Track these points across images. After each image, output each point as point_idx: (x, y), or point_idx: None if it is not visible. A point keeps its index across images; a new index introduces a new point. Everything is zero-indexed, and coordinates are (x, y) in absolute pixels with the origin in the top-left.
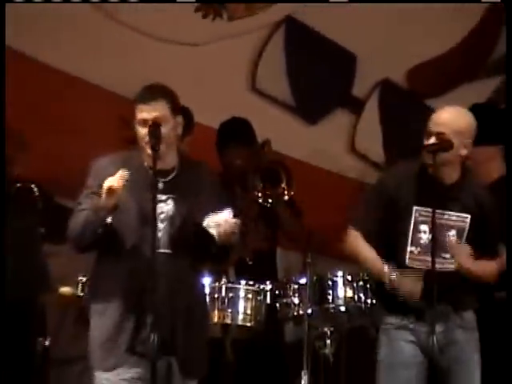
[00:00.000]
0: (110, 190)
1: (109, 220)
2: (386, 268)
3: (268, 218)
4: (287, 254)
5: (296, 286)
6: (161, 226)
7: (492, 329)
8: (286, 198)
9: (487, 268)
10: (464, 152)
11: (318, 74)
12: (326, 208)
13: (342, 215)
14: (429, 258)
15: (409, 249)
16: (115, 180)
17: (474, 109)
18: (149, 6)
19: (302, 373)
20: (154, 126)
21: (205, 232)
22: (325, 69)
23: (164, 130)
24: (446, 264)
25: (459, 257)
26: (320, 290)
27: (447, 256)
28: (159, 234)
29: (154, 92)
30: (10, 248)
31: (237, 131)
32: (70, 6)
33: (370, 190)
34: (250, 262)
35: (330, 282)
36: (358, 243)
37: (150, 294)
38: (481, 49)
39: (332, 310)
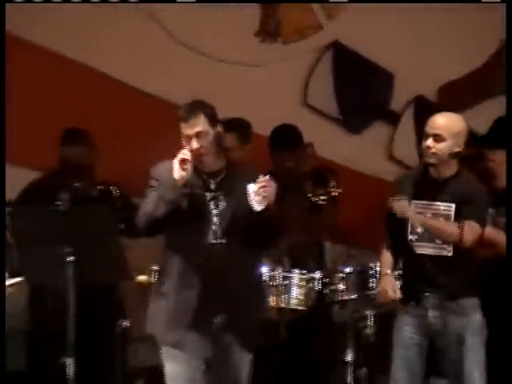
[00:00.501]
0: (183, 161)
1: (185, 190)
2: (386, 272)
3: (317, 214)
4: (334, 247)
5: (341, 275)
6: (214, 219)
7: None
8: (336, 194)
9: (446, 225)
10: (457, 150)
11: (361, 91)
12: (366, 207)
13: (379, 214)
14: (425, 244)
15: (409, 236)
16: (186, 153)
17: (497, 122)
18: (212, 31)
19: (347, 349)
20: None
21: (252, 214)
22: (366, 86)
23: (205, 142)
24: (439, 250)
25: (410, 213)
26: (362, 279)
27: (439, 241)
28: (213, 227)
29: (192, 110)
30: (93, 242)
31: (286, 136)
32: (135, 20)
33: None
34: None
35: (370, 272)
36: (384, 259)
37: (206, 279)
38: (498, 72)
39: (373, 296)
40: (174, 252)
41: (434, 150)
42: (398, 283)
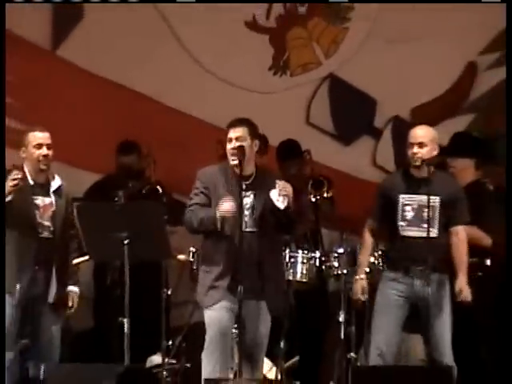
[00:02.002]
0: (226, 214)
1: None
2: (361, 274)
3: (316, 209)
4: (330, 233)
5: (336, 254)
6: (246, 212)
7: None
8: (328, 195)
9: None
10: (435, 153)
11: (351, 112)
12: (355, 203)
13: (364, 208)
14: (413, 229)
15: (399, 223)
16: (229, 209)
17: (456, 136)
18: (234, 63)
19: (340, 312)
20: (239, 148)
21: (276, 209)
22: (355, 109)
23: (246, 147)
24: (422, 232)
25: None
26: (352, 257)
27: (424, 226)
28: (246, 219)
29: (238, 121)
30: (143, 229)
31: (289, 148)
32: (171, 51)
33: (376, 193)
34: (305, 239)
35: (358, 252)
36: (365, 246)
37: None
38: (460, 95)
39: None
40: (216, 238)
41: (419, 155)
42: (366, 286)
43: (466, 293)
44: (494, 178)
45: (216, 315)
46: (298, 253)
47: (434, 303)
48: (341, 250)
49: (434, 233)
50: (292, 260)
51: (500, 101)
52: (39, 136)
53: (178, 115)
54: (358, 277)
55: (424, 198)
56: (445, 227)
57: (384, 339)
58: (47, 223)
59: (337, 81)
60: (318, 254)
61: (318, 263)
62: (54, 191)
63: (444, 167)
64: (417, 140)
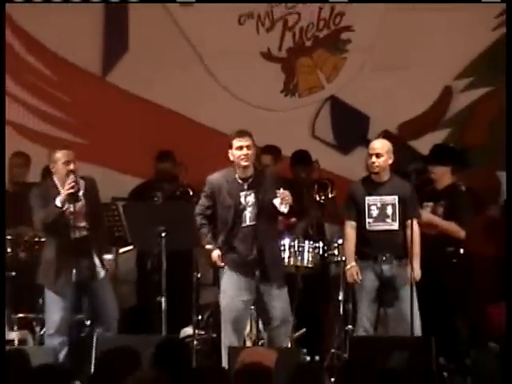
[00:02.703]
0: (213, 260)
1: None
2: (352, 261)
3: (321, 207)
4: (332, 227)
5: (336, 244)
6: (248, 209)
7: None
8: (332, 195)
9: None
10: (390, 162)
11: (348, 127)
12: None
13: None
14: (379, 223)
15: (367, 220)
16: (216, 259)
17: (435, 147)
18: (251, 86)
19: (339, 292)
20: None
21: (275, 207)
22: (352, 124)
23: (250, 152)
24: (387, 226)
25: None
26: None
27: (389, 220)
28: (247, 214)
29: (245, 132)
30: (177, 223)
31: (301, 157)
32: (196, 73)
33: (347, 197)
34: (311, 232)
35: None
36: (349, 239)
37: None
38: (439, 113)
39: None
40: (225, 231)
41: (377, 164)
42: (358, 271)
43: (417, 276)
44: (466, 181)
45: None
46: (304, 243)
47: (401, 284)
48: (340, 241)
49: (395, 226)
50: (300, 249)
51: (471, 117)
52: (65, 154)
53: (206, 130)
54: (349, 265)
55: (385, 197)
56: (403, 221)
57: (366, 319)
58: (82, 224)
59: (337, 101)
60: (321, 244)
61: (321, 252)
62: (82, 194)
63: (426, 173)
64: (374, 151)
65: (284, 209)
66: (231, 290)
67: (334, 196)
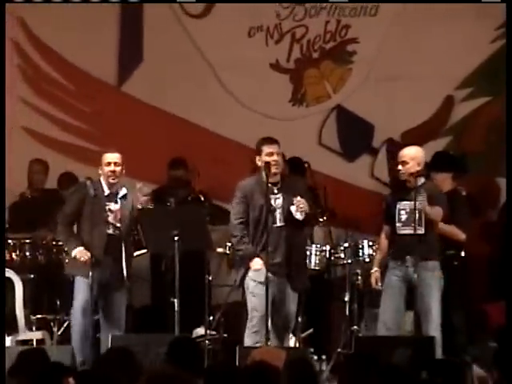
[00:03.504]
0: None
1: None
2: (375, 267)
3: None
4: (338, 230)
5: (342, 248)
6: (277, 210)
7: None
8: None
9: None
10: (418, 168)
11: (354, 135)
12: (357, 206)
13: (366, 210)
14: (406, 228)
15: (397, 224)
16: (258, 268)
17: (436, 154)
18: (261, 97)
19: (345, 293)
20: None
21: (291, 213)
22: (357, 132)
23: (279, 158)
24: (414, 230)
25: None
26: (355, 250)
27: (415, 226)
28: (277, 216)
29: (274, 140)
30: (190, 227)
31: (297, 163)
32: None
33: (385, 202)
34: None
35: (360, 246)
36: (380, 246)
37: (274, 247)
38: (441, 121)
39: (362, 261)
40: (255, 231)
41: (403, 171)
42: (379, 276)
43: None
44: (466, 187)
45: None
46: (311, 246)
47: (423, 284)
48: (346, 245)
49: (420, 230)
50: (308, 252)
51: (471, 125)
52: (109, 156)
53: (217, 138)
54: (372, 270)
55: (417, 201)
56: (431, 225)
57: (388, 316)
58: (118, 224)
59: (343, 110)
60: (328, 248)
61: (328, 255)
62: (120, 198)
63: (428, 178)
64: (400, 159)
65: (300, 216)
66: (260, 290)
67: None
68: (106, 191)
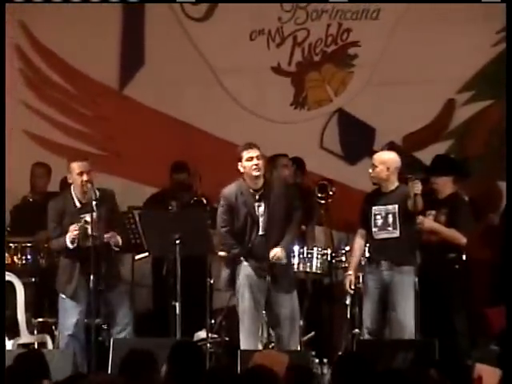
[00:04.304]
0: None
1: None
2: (350, 270)
3: (326, 209)
4: (339, 234)
5: (343, 251)
6: (260, 218)
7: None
8: (331, 193)
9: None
10: (386, 173)
11: (355, 139)
12: (358, 210)
13: None
14: (382, 232)
15: (373, 229)
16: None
17: (436, 158)
18: (263, 101)
19: (346, 296)
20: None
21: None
22: (358, 136)
23: (260, 162)
24: (389, 234)
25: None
26: None
27: (390, 229)
28: (261, 224)
29: (253, 144)
30: (191, 230)
31: (296, 163)
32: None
33: (361, 206)
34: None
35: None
36: (355, 248)
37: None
38: (442, 125)
39: (363, 264)
40: (239, 239)
41: (372, 175)
42: (354, 280)
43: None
44: (468, 191)
45: (248, 300)
46: (313, 250)
47: (396, 290)
48: (347, 248)
49: (395, 234)
50: (309, 255)
51: (472, 129)
52: (80, 165)
53: (219, 141)
54: (346, 273)
55: (390, 207)
56: (406, 228)
57: (369, 319)
58: (97, 233)
59: (344, 114)
60: (329, 251)
61: (329, 258)
62: (95, 204)
63: (428, 182)
64: (371, 162)
65: (283, 261)
66: (249, 293)
67: (334, 193)
68: (78, 204)
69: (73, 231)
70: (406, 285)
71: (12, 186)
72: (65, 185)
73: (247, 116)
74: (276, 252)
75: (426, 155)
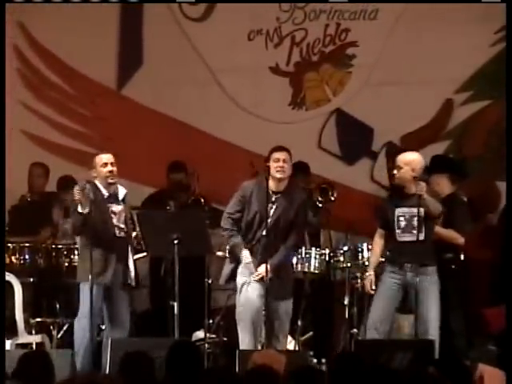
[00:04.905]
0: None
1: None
2: (370, 270)
3: (326, 213)
4: (337, 234)
5: (341, 251)
6: (269, 219)
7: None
8: (333, 198)
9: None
10: (412, 174)
11: (353, 139)
12: (357, 210)
13: (365, 213)
14: (406, 234)
15: (396, 230)
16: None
17: (435, 158)
18: (263, 101)
19: (345, 296)
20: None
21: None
22: (356, 136)
23: (287, 165)
24: (413, 237)
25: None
26: (354, 254)
27: (414, 232)
28: (269, 224)
29: (283, 147)
30: (189, 230)
31: (300, 168)
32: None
33: (380, 206)
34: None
35: (359, 249)
36: (374, 249)
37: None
38: (440, 125)
39: (361, 264)
40: (248, 236)
41: (397, 176)
42: (374, 279)
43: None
44: (466, 191)
45: (247, 302)
46: (311, 250)
47: (423, 289)
48: (345, 248)
49: (421, 236)
50: (307, 256)
51: (471, 129)
52: (105, 157)
53: (217, 141)
54: (367, 273)
55: (413, 209)
56: (429, 230)
57: (379, 317)
58: (122, 225)
59: (342, 114)
60: (327, 251)
61: (327, 258)
62: (122, 199)
63: (426, 181)
64: (395, 164)
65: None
66: (246, 292)
67: (335, 199)
68: (105, 193)
69: (76, 193)
70: (432, 284)
71: (10, 185)
72: (62, 184)
73: (245, 116)
74: (261, 272)
75: (425, 155)
